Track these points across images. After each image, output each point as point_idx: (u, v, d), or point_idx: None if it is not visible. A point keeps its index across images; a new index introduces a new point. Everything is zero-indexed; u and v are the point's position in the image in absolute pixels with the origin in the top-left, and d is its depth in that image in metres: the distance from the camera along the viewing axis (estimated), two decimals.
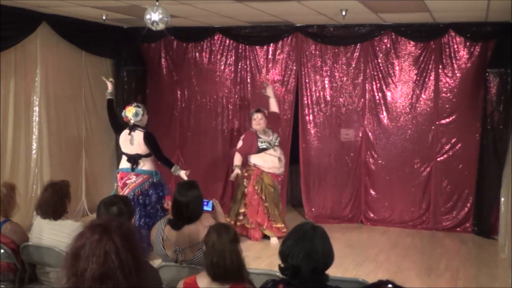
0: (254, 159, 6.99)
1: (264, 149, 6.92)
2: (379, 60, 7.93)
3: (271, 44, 8.38)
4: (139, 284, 1.82)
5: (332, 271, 2.62)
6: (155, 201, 6.17)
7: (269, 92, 7.32)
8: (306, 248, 2.48)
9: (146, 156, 6.20)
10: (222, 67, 8.65)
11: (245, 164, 7.11)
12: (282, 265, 2.56)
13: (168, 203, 6.20)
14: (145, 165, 6.20)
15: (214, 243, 2.85)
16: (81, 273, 1.77)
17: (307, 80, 8.22)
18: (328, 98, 8.16)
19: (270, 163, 6.93)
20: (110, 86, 6.74)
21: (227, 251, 2.81)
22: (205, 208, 3.84)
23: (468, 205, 7.71)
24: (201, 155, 8.78)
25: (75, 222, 4.16)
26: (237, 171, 6.96)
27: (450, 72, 7.68)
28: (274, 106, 7.31)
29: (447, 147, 7.75)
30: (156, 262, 3.76)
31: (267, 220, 6.94)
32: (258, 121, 6.95)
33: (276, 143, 7.02)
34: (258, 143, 6.93)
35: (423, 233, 7.70)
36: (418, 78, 7.80)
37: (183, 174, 6.11)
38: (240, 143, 7.15)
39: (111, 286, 1.76)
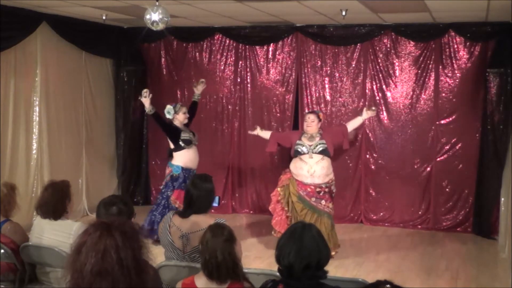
0: (291, 163, 6.44)
1: (299, 153, 6.25)
2: (379, 60, 7.93)
3: (271, 44, 8.39)
4: (139, 285, 1.82)
5: (332, 271, 2.63)
6: (170, 194, 6.64)
7: (366, 114, 6.55)
8: (295, 246, 2.52)
9: (173, 150, 6.74)
10: (222, 67, 8.65)
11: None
12: (280, 268, 2.59)
13: (173, 199, 6.60)
14: (173, 159, 6.75)
15: (208, 241, 2.93)
16: (80, 268, 1.78)
17: (307, 80, 8.23)
18: (328, 98, 8.16)
19: (299, 170, 6.24)
20: (198, 89, 7.23)
21: (219, 249, 2.87)
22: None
23: (468, 205, 7.71)
24: (200, 155, 8.71)
25: (75, 222, 4.16)
26: (258, 129, 6.73)
27: (450, 72, 7.68)
28: (353, 124, 6.65)
29: (447, 147, 7.75)
30: (156, 262, 3.76)
31: None
32: (309, 122, 6.30)
33: (316, 150, 6.21)
34: (296, 145, 6.30)
35: (423, 233, 7.70)
36: (418, 78, 7.80)
37: (148, 101, 6.54)
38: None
39: (110, 283, 1.76)
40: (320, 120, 6.35)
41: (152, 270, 3.02)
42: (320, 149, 6.21)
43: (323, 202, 6.21)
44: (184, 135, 6.68)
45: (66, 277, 1.85)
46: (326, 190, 6.24)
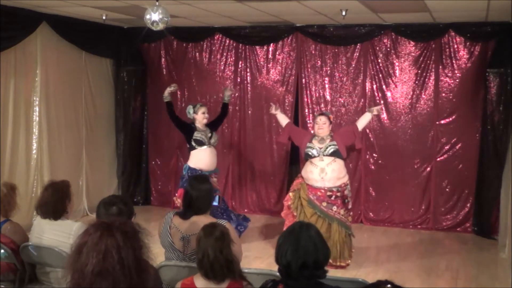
0: (303, 168, 6.24)
1: (309, 156, 6.03)
2: (379, 60, 7.93)
3: (271, 44, 8.39)
4: (139, 285, 1.82)
5: (332, 271, 2.63)
6: None
7: (374, 110, 6.38)
8: (292, 245, 2.52)
9: (189, 149, 6.75)
10: (222, 67, 8.65)
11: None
12: (279, 267, 2.59)
13: (176, 197, 6.61)
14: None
15: (200, 240, 2.96)
16: (81, 268, 1.78)
17: (307, 80, 8.23)
18: (328, 98, 8.16)
19: (309, 173, 6.02)
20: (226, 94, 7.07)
21: (210, 248, 2.89)
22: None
23: (468, 205, 7.71)
24: None
25: (75, 222, 4.16)
26: (279, 110, 6.56)
27: (450, 72, 7.68)
28: (362, 122, 6.34)
29: (447, 147, 7.75)
30: (156, 262, 3.76)
31: None
32: (321, 125, 6.06)
33: (326, 152, 5.96)
34: (306, 148, 6.07)
35: (423, 233, 7.70)
36: (418, 78, 7.80)
37: (168, 91, 6.72)
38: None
39: (111, 283, 1.76)
40: (331, 122, 6.16)
41: (152, 270, 3.03)
42: (331, 150, 5.97)
43: (334, 208, 5.95)
44: (197, 135, 6.65)
45: (66, 277, 1.85)
46: (338, 194, 5.98)
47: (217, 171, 6.96)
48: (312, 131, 6.44)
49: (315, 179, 5.97)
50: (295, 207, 6.09)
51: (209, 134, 6.75)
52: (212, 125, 6.93)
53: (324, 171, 5.93)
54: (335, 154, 5.97)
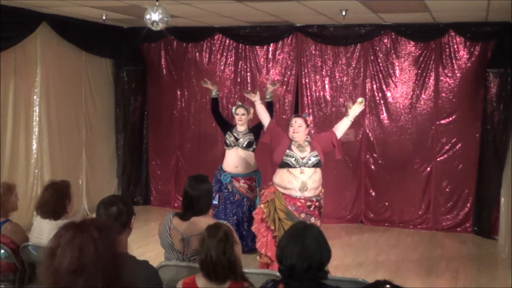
0: (275, 175, 5.51)
1: (287, 165, 5.32)
2: (379, 60, 7.93)
3: (271, 44, 8.39)
4: (117, 279, 1.81)
5: (332, 271, 2.63)
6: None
7: (353, 111, 5.60)
8: (298, 247, 2.50)
9: None
10: (222, 67, 8.65)
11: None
12: (280, 267, 2.58)
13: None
14: None
15: (203, 241, 2.95)
16: (57, 269, 1.77)
17: (307, 80, 8.23)
18: (328, 98, 8.16)
19: (287, 183, 5.32)
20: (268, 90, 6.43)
21: (213, 248, 2.88)
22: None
23: (468, 205, 7.71)
24: (201, 155, 8.78)
25: None
26: (258, 97, 5.71)
27: (450, 72, 7.68)
28: (342, 129, 5.62)
29: (447, 147, 7.75)
30: (156, 263, 3.76)
31: None
32: (296, 127, 5.34)
33: (309, 164, 5.29)
34: (285, 156, 5.33)
35: (423, 233, 7.70)
36: (418, 78, 7.80)
37: (211, 86, 6.72)
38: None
39: (86, 279, 1.75)
40: (307, 126, 5.46)
41: (151, 269, 3.02)
42: (314, 162, 5.33)
43: (312, 219, 5.30)
44: (226, 136, 6.58)
45: (41, 279, 1.82)
46: (317, 204, 5.39)
47: (249, 175, 6.59)
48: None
49: (294, 189, 5.33)
50: (271, 220, 5.40)
51: (239, 136, 6.54)
52: (253, 129, 6.56)
53: (306, 185, 5.30)
54: (317, 165, 5.37)
